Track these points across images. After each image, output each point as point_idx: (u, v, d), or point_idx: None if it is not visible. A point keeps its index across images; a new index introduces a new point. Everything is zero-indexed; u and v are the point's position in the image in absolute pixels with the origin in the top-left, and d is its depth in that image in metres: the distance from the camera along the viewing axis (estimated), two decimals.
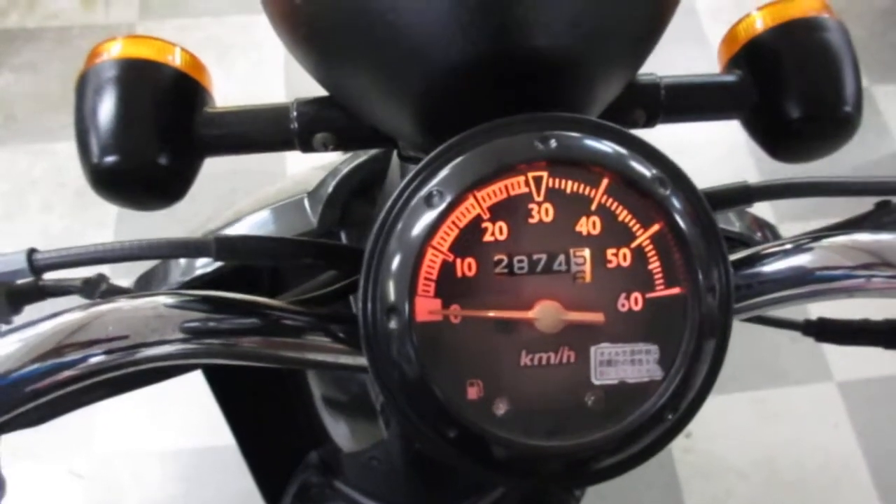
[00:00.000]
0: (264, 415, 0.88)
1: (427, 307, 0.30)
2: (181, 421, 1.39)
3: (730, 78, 0.43)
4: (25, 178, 1.69)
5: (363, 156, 0.57)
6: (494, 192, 0.31)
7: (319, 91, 0.40)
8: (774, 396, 1.48)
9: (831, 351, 1.52)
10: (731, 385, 1.47)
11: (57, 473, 1.34)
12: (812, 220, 0.45)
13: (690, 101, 0.42)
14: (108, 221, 1.61)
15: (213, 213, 0.64)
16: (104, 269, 0.42)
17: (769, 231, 0.67)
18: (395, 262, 0.30)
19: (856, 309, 0.51)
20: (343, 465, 0.84)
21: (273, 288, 0.48)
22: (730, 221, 0.64)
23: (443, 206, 0.30)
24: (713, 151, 1.57)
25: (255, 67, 1.81)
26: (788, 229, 0.46)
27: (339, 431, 0.81)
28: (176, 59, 0.40)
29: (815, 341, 0.51)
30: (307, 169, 0.64)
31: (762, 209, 0.62)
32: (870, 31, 2.01)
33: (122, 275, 0.60)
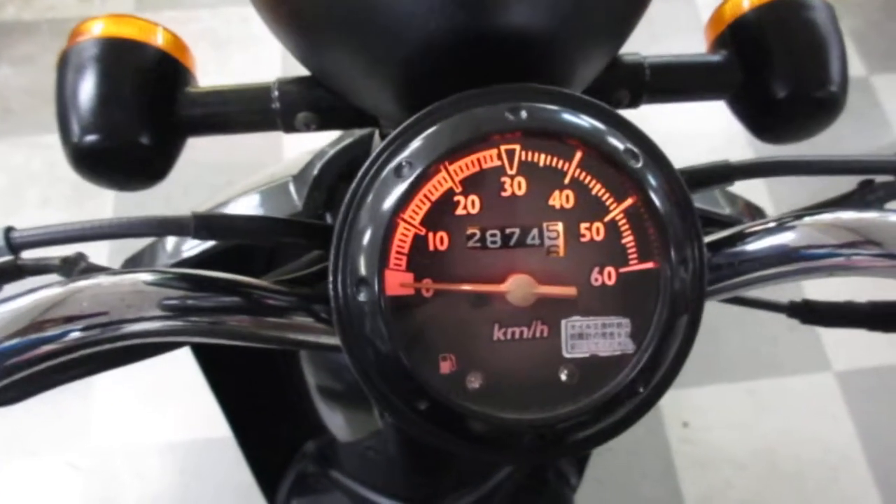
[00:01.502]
0: (260, 406, 0.89)
1: (398, 280, 0.30)
2: (179, 413, 1.39)
3: (715, 58, 0.43)
4: (23, 172, 1.69)
5: (349, 139, 0.57)
6: (467, 165, 0.31)
7: (305, 72, 0.40)
8: (772, 387, 1.49)
9: (829, 341, 1.52)
10: (729, 375, 1.48)
11: (55, 465, 1.34)
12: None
13: (675, 81, 0.42)
14: (105, 215, 1.61)
15: (202, 201, 0.64)
16: (91, 251, 0.42)
17: (760, 216, 0.67)
18: (366, 235, 0.30)
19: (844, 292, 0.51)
20: (339, 455, 0.85)
21: (263, 272, 0.48)
22: (720, 205, 0.64)
23: (412, 178, 0.30)
24: (709, 142, 1.57)
25: (253, 60, 1.81)
26: None
27: (335, 422, 0.81)
28: (158, 39, 0.40)
29: (800, 323, 0.51)
30: (296, 154, 0.64)
31: (760, 197, 0.62)
32: (868, 20, 2.01)
33: (117, 262, 0.60)
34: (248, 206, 0.57)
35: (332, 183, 0.56)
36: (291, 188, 0.56)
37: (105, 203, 1.62)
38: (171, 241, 0.58)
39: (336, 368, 0.77)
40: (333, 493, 0.86)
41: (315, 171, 0.55)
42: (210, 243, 0.55)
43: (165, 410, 1.40)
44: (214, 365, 0.80)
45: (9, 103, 1.79)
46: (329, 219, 0.56)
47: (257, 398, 0.88)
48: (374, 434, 0.75)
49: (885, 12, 2.04)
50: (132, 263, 0.60)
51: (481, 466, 0.78)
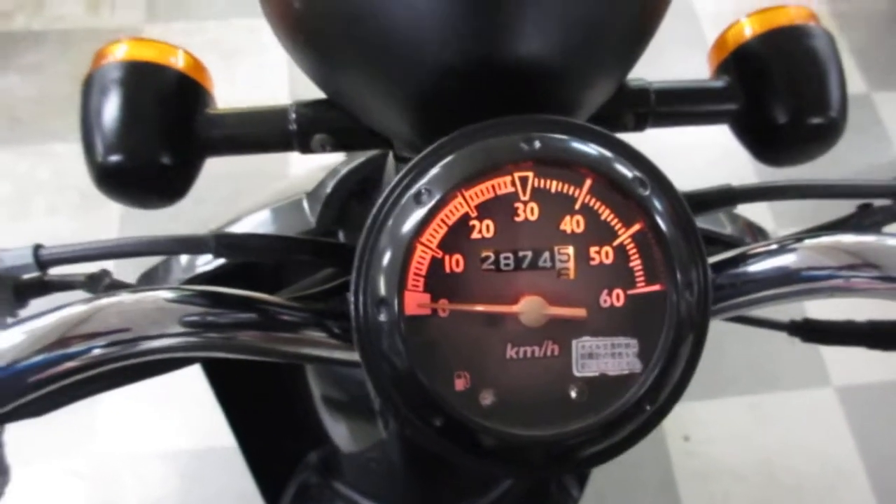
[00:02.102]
0: (265, 415, 0.89)
1: (416, 301, 0.32)
2: (182, 421, 1.40)
3: (718, 83, 0.44)
4: (30, 180, 1.70)
5: (361, 157, 0.58)
6: (482, 191, 0.32)
7: (321, 95, 0.41)
8: (772, 401, 1.49)
9: (829, 356, 1.52)
10: (731, 389, 1.48)
11: (57, 472, 1.35)
12: (812, 224, 0.46)
13: (680, 106, 0.43)
14: (111, 224, 1.62)
15: (214, 215, 0.65)
16: (108, 266, 0.43)
17: (760, 235, 0.68)
18: (386, 258, 0.31)
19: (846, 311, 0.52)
20: (342, 465, 0.85)
21: (273, 286, 0.49)
22: (722, 224, 0.65)
23: (431, 204, 0.31)
24: (711, 153, 1.58)
25: (260, 71, 1.82)
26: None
27: (339, 432, 0.82)
28: (179, 62, 0.41)
29: (801, 341, 0.52)
30: (308, 170, 0.65)
31: (762, 214, 0.63)
32: (869, 35, 2.02)
33: (130, 276, 0.61)
34: (263, 221, 0.58)
35: (344, 201, 0.57)
36: (305, 205, 0.58)
37: (112, 214, 1.63)
38: (184, 257, 0.59)
39: (341, 379, 0.78)
40: None
41: (328, 189, 0.56)
42: (222, 260, 0.56)
43: (168, 419, 1.41)
44: (221, 376, 0.81)
45: (16, 112, 1.80)
46: (341, 235, 0.57)
47: (262, 408, 0.89)
48: (377, 445, 0.76)
49: (886, 28, 2.06)
50: (147, 278, 0.61)
51: (483, 478, 0.79)
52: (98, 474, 1.36)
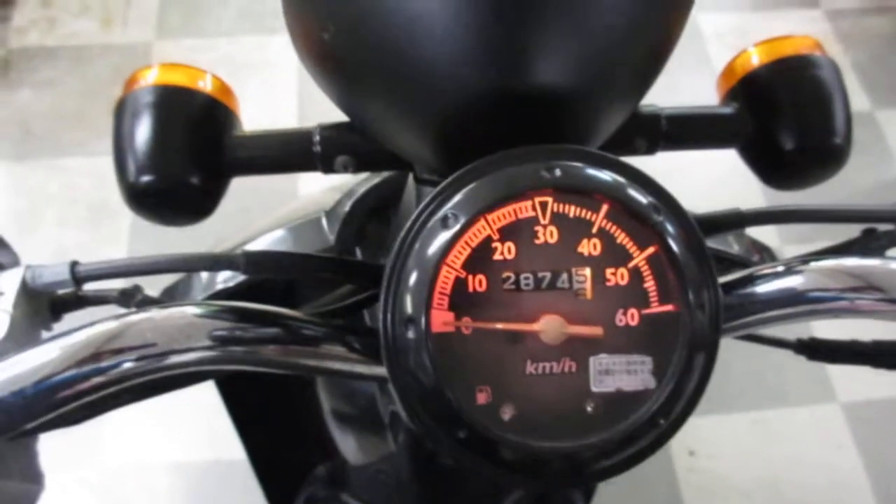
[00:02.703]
0: (274, 429, 0.90)
1: (441, 319, 0.33)
2: (189, 435, 1.41)
3: (727, 110, 0.45)
4: (41, 194, 1.72)
5: (378, 178, 0.60)
6: (504, 216, 0.33)
7: (333, 112, 0.43)
8: (778, 417, 1.49)
9: (835, 373, 1.53)
10: (737, 404, 1.49)
11: (66, 483, 1.35)
12: (815, 242, 0.48)
13: (689, 131, 0.45)
14: (120, 237, 1.64)
15: (229, 232, 0.66)
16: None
17: (766, 254, 0.69)
18: (413, 278, 0.33)
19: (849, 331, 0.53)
20: (350, 478, 0.86)
21: (288, 304, 0.51)
22: (729, 244, 0.66)
23: (457, 228, 0.33)
24: (719, 168, 1.60)
25: (269, 87, 1.84)
26: (792, 251, 0.49)
27: (347, 445, 0.82)
28: (207, 85, 0.43)
29: (807, 360, 0.53)
30: (321, 190, 0.67)
31: (768, 231, 0.64)
32: (872, 55, 2.03)
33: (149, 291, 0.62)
34: (282, 239, 0.60)
35: (362, 220, 0.58)
36: (324, 224, 0.59)
37: (121, 227, 1.64)
38: (204, 274, 0.61)
39: (350, 393, 0.79)
40: None
41: (346, 209, 0.58)
42: (241, 277, 0.57)
43: (177, 431, 1.42)
44: (233, 389, 0.82)
45: (29, 126, 1.82)
46: (359, 253, 0.58)
47: (272, 421, 0.90)
48: (386, 458, 0.76)
49: (888, 48, 2.07)
50: (168, 294, 0.63)
51: (491, 492, 0.79)
52: (106, 485, 1.36)
